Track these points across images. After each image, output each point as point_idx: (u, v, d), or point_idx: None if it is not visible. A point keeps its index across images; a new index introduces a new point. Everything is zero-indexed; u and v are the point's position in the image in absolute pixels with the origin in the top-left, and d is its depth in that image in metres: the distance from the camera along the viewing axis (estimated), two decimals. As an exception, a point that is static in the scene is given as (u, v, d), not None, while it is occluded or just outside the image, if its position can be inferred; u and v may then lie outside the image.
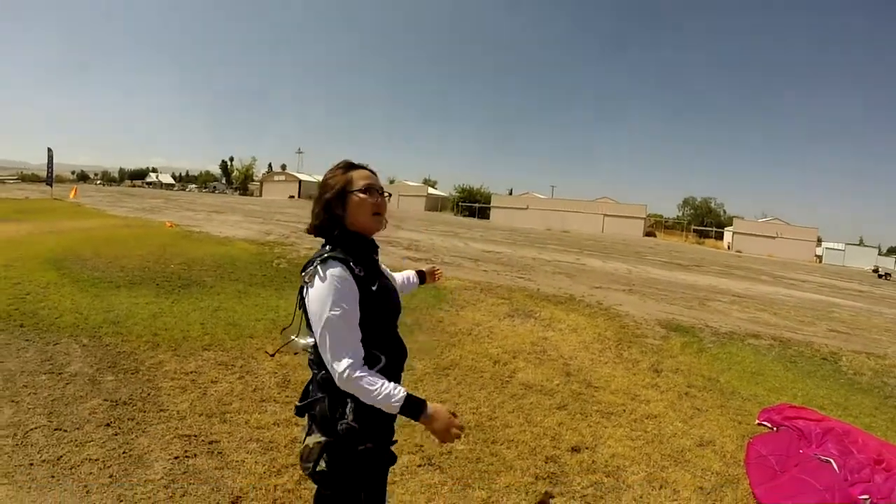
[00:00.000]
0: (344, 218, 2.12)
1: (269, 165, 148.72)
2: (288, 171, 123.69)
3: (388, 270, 2.41)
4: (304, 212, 39.08)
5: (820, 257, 69.72)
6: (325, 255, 2.03)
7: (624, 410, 5.47)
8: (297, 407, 2.19)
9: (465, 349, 6.88)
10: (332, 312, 1.93)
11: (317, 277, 1.98)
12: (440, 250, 18.46)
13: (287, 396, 4.90)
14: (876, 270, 54.68)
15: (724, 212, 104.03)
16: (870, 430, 5.82)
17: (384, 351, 2.09)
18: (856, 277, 40.64)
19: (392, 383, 1.97)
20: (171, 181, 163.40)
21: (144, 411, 4.41)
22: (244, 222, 23.02)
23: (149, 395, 4.73)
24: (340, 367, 1.92)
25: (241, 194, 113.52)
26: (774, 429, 5.43)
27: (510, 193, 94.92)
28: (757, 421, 5.65)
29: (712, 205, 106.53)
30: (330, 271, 1.97)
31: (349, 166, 2.21)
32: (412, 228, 30.85)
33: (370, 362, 2.01)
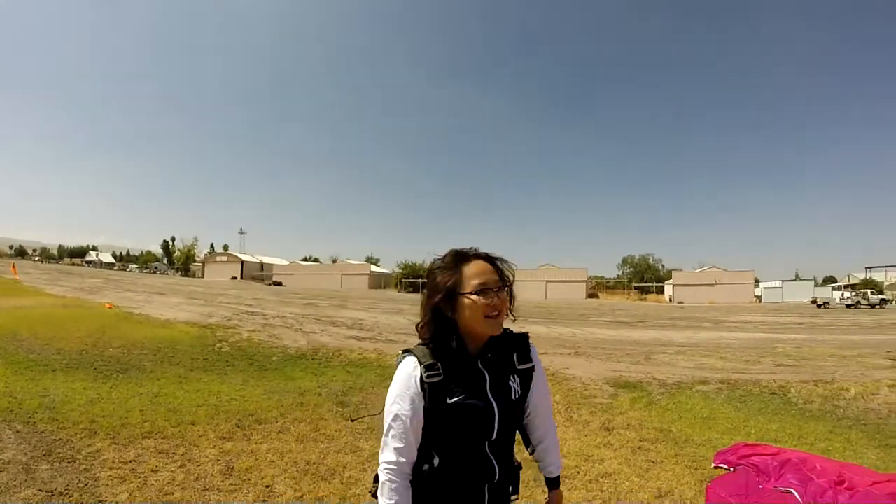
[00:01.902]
0: (457, 321, 1.92)
1: (212, 246, 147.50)
2: (230, 251, 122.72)
3: (514, 387, 1.98)
4: (247, 293, 39.38)
5: (759, 297, 72.11)
6: (412, 347, 1.97)
7: (578, 472, 5.31)
8: None
9: (410, 427, 6.65)
10: (391, 407, 1.87)
11: (398, 367, 1.93)
12: (384, 328, 18.28)
13: (231, 485, 4.61)
14: (814, 301, 57.25)
15: (663, 266, 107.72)
16: (827, 454, 5.89)
17: (443, 455, 1.91)
18: (795, 311, 42.15)
19: None
20: (112, 260, 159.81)
21: (82, 502, 4.15)
22: (185, 304, 22.55)
23: (86, 485, 4.43)
24: (381, 459, 1.87)
25: (182, 275, 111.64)
26: (731, 469, 5.38)
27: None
28: (713, 464, 5.59)
29: (650, 261, 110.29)
30: (402, 365, 1.91)
31: (459, 259, 1.96)
32: (356, 307, 30.58)
33: (423, 461, 1.90)
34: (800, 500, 4.48)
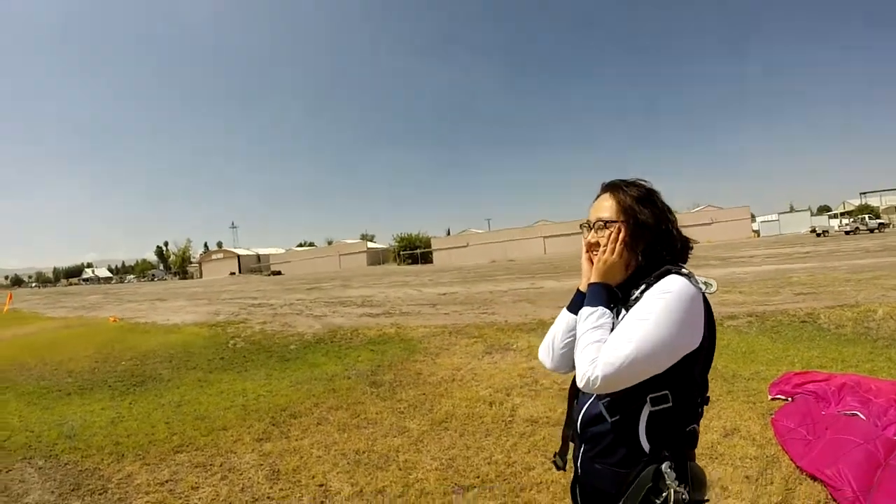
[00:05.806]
0: None
1: (206, 245, 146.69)
2: (225, 247, 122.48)
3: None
4: (249, 286, 39.20)
5: (757, 231, 72.25)
6: None
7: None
8: None
9: (455, 397, 6.43)
10: None
11: None
12: (395, 301, 18.05)
13: (281, 490, 4.28)
14: (813, 230, 57.48)
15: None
16: (874, 374, 5.88)
17: None
18: (797, 242, 42.16)
19: None
20: (109, 274, 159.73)
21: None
22: (190, 306, 22.22)
23: (124, 515, 4.13)
24: None
25: (181, 278, 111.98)
26: (790, 399, 5.35)
27: (448, 234, 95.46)
28: (770, 396, 5.57)
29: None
30: None
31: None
32: (361, 285, 30.30)
33: None
34: (867, 420, 4.46)
